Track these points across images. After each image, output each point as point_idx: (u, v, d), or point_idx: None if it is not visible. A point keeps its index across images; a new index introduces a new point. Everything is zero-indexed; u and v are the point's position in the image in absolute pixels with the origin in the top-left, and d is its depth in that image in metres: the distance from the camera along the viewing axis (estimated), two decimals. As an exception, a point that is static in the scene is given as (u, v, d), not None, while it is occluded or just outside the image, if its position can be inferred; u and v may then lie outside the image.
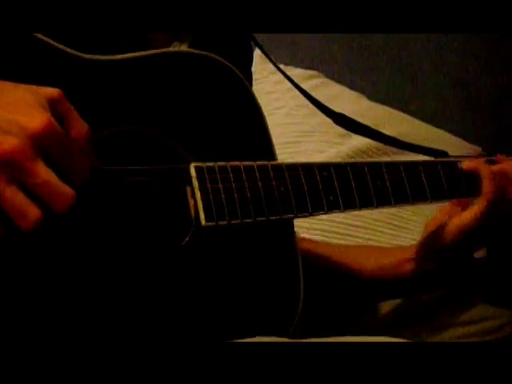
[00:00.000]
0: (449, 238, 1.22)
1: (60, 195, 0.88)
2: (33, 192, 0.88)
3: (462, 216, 1.21)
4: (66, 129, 0.91)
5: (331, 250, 1.37)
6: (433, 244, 1.24)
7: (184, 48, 1.14)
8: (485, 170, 1.21)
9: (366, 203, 1.13)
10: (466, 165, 1.22)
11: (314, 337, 0.99)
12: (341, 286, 1.35)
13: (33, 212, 0.88)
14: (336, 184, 1.11)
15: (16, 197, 0.87)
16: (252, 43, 1.27)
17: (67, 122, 0.92)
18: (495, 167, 1.23)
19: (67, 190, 0.89)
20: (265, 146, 1.11)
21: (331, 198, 1.10)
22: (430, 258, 1.26)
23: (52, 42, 1.00)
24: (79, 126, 0.92)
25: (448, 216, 1.23)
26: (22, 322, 0.93)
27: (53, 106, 0.90)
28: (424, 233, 1.27)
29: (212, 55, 1.08)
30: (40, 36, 0.99)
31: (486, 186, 1.20)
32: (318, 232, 1.71)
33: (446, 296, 1.31)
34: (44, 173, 0.87)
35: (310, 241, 1.40)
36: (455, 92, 2.26)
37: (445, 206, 1.25)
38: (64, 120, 0.91)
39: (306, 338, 0.99)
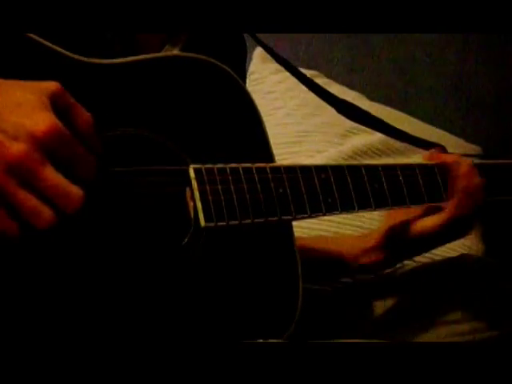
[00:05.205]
0: (411, 238, 1.25)
1: (69, 197, 0.89)
2: (43, 194, 0.89)
3: (428, 220, 1.23)
4: (70, 119, 0.92)
5: (318, 242, 1.41)
6: (394, 238, 1.27)
7: (177, 51, 1.14)
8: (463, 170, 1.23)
9: (363, 205, 1.14)
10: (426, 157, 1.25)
11: (311, 339, 0.99)
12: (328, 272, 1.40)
13: (47, 211, 0.89)
14: (334, 186, 1.11)
15: (29, 198, 0.88)
16: (253, 41, 1.27)
17: (70, 112, 0.92)
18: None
19: (76, 191, 0.90)
20: (263, 147, 1.11)
21: (329, 200, 1.11)
22: (388, 249, 1.29)
23: (48, 43, 1.00)
24: (83, 115, 0.93)
25: (411, 213, 1.25)
26: (24, 320, 0.93)
27: (54, 101, 0.91)
28: (385, 224, 1.29)
29: (209, 59, 1.09)
30: (36, 37, 0.99)
31: (459, 187, 1.22)
32: (317, 232, 1.71)
33: (438, 294, 1.31)
34: (53, 176, 0.88)
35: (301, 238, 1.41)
36: (455, 92, 2.25)
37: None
38: (67, 112, 0.92)
39: (303, 340, 1.00)
